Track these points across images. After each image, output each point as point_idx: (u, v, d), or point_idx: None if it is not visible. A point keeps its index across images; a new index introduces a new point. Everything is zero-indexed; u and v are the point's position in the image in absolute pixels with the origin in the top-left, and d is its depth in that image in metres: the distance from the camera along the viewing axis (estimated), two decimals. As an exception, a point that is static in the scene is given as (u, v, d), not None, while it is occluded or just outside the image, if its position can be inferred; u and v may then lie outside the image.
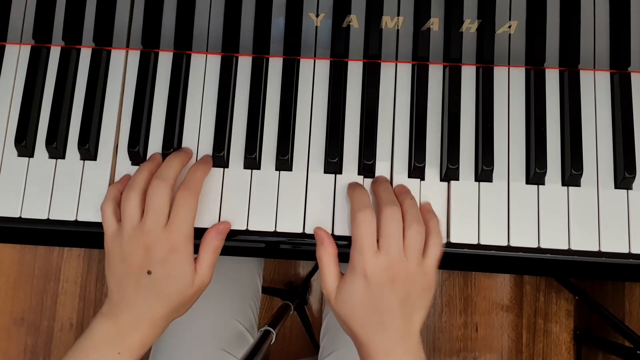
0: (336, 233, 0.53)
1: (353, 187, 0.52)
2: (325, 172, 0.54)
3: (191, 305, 0.53)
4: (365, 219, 0.49)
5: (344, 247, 0.51)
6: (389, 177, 0.54)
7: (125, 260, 0.50)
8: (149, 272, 0.49)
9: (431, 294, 0.50)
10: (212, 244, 0.52)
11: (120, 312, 0.50)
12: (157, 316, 0.50)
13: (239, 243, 0.54)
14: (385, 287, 0.48)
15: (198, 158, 0.55)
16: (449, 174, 0.53)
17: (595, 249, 0.52)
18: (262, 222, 0.53)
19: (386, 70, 0.56)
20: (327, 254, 0.51)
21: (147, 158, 0.55)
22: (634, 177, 0.52)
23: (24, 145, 0.54)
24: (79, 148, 0.54)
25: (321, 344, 0.81)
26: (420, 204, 0.53)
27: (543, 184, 0.53)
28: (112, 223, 0.51)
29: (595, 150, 0.54)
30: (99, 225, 0.52)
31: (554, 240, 0.52)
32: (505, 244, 0.52)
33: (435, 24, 0.56)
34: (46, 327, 1.38)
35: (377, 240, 0.49)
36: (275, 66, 0.56)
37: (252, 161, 0.54)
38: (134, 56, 0.57)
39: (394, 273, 0.48)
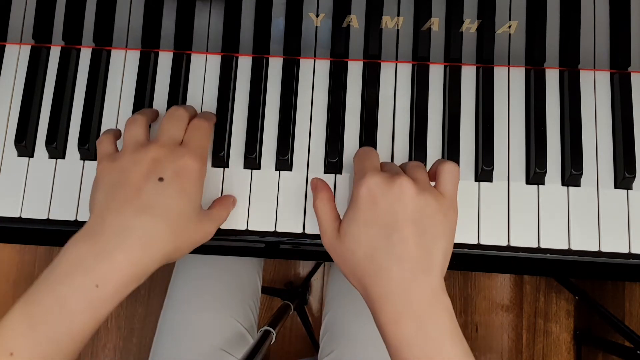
0: (336, 233, 0.53)
1: None
2: (325, 172, 0.54)
3: (188, 250, 0.45)
4: (366, 150, 0.47)
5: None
6: (389, 177, 0.54)
7: (125, 172, 0.42)
8: (160, 179, 0.41)
9: (451, 222, 0.43)
10: (227, 205, 0.50)
11: (102, 230, 0.39)
12: (152, 237, 0.40)
13: (239, 243, 0.54)
14: (393, 200, 0.41)
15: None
16: (449, 174, 0.53)
17: (595, 249, 0.52)
18: (262, 222, 0.53)
19: (386, 70, 0.56)
20: (322, 196, 0.47)
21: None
22: (634, 177, 0.52)
23: (24, 145, 0.54)
24: (79, 148, 0.54)
25: (320, 343, 0.82)
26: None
27: (543, 184, 0.53)
28: (110, 147, 0.47)
29: (595, 150, 0.54)
30: (99, 225, 0.52)
31: (554, 240, 0.52)
32: (505, 244, 0.52)
33: (435, 24, 0.56)
34: (46, 327, 1.38)
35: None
36: (275, 66, 0.56)
37: (252, 161, 0.54)
38: (134, 56, 0.57)
39: (401, 185, 0.42)
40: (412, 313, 0.39)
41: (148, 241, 0.40)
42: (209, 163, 0.54)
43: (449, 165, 0.45)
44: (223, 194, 0.54)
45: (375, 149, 0.54)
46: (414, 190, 0.42)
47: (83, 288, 0.38)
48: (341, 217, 0.47)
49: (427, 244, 0.41)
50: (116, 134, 0.51)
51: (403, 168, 0.48)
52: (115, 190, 0.41)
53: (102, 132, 0.55)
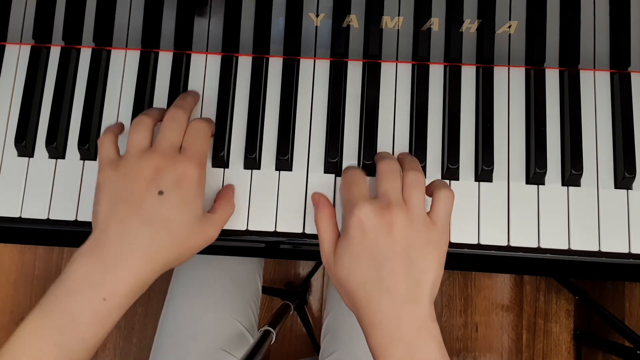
0: (336, 233, 0.53)
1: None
2: (325, 172, 0.54)
3: (191, 255, 0.46)
4: (355, 174, 0.47)
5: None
6: (389, 177, 0.54)
7: (127, 182, 0.43)
8: (160, 193, 0.42)
9: (441, 251, 0.44)
10: (229, 200, 0.50)
11: (106, 244, 0.41)
12: (154, 249, 0.42)
13: (239, 243, 0.54)
14: (383, 233, 0.43)
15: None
16: (449, 173, 0.53)
17: (595, 249, 0.52)
18: (262, 222, 0.53)
19: (386, 70, 0.56)
20: (323, 214, 0.48)
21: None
22: (634, 177, 0.52)
23: (24, 145, 0.54)
24: (79, 148, 0.54)
25: (322, 344, 0.81)
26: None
27: (543, 184, 0.53)
28: (112, 152, 0.46)
29: (595, 150, 0.54)
30: (99, 225, 0.52)
31: (554, 240, 0.52)
32: (505, 244, 0.52)
33: (435, 24, 0.56)
34: (46, 327, 1.38)
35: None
36: (275, 66, 0.56)
37: (252, 161, 0.54)
38: (134, 56, 0.57)
39: (391, 217, 0.43)
40: (401, 340, 0.41)
41: (150, 254, 0.42)
42: (209, 163, 0.54)
43: (445, 192, 0.46)
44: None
45: (375, 149, 0.54)
46: (405, 222, 0.43)
47: (91, 302, 0.40)
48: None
49: (416, 275, 0.42)
50: (117, 131, 0.51)
51: (400, 159, 0.48)
52: (117, 202, 0.42)
53: (102, 130, 0.55)
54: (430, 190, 0.48)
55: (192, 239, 0.45)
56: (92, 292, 0.40)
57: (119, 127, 0.52)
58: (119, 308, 0.41)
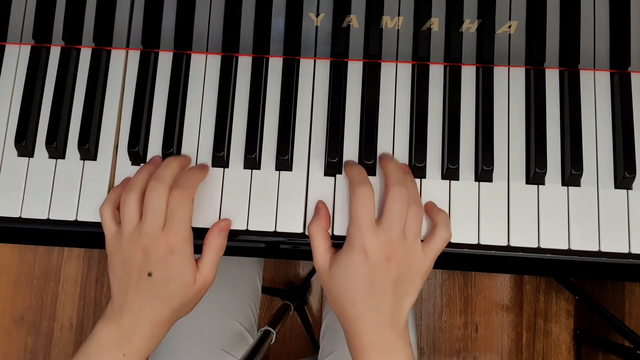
0: (336, 233, 0.53)
1: (351, 164, 0.53)
2: (325, 172, 0.54)
3: (194, 305, 0.52)
4: (365, 194, 0.49)
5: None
6: (389, 177, 0.54)
7: (125, 263, 0.50)
8: (149, 274, 0.49)
9: (424, 280, 0.50)
10: (215, 242, 0.51)
11: (121, 315, 0.50)
12: (159, 318, 0.50)
13: (239, 243, 0.54)
14: (382, 265, 0.48)
15: (198, 157, 0.55)
16: (449, 173, 0.53)
17: (595, 249, 0.52)
18: (262, 222, 0.53)
19: (386, 70, 0.56)
20: (320, 226, 0.51)
21: (147, 159, 0.55)
22: (634, 177, 0.52)
23: (24, 145, 0.54)
24: (79, 148, 0.54)
25: (321, 344, 0.82)
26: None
27: (543, 184, 0.53)
28: (112, 226, 0.51)
29: (595, 150, 0.54)
30: (98, 225, 0.52)
31: (554, 240, 0.52)
32: (505, 244, 0.52)
33: (435, 24, 0.56)
34: (46, 327, 1.38)
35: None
36: (275, 66, 0.56)
37: (252, 161, 0.54)
38: (134, 56, 0.57)
39: (392, 251, 0.48)
40: (380, 345, 0.48)
41: (157, 322, 0.50)
42: (209, 163, 0.54)
43: (445, 234, 0.50)
44: (223, 193, 0.54)
45: (375, 149, 0.54)
46: (402, 257, 0.48)
47: (113, 358, 0.49)
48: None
49: (401, 299, 0.49)
50: (115, 199, 0.52)
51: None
52: (121, 281, 0.50)
53: (102, 129, 0.55)
54: (432, 217, 0.51)
55: (189, 298, 0.51)
56: (114, 352, 0.49)
57: (117, 195, 0.52)
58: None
